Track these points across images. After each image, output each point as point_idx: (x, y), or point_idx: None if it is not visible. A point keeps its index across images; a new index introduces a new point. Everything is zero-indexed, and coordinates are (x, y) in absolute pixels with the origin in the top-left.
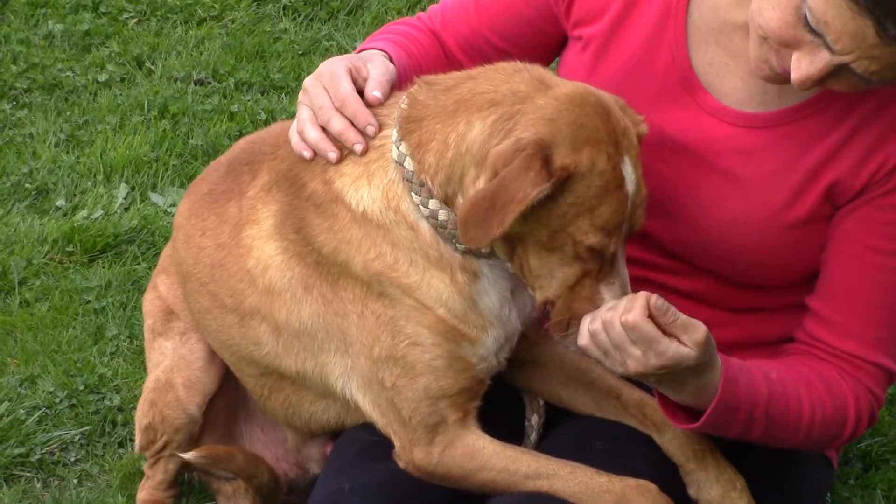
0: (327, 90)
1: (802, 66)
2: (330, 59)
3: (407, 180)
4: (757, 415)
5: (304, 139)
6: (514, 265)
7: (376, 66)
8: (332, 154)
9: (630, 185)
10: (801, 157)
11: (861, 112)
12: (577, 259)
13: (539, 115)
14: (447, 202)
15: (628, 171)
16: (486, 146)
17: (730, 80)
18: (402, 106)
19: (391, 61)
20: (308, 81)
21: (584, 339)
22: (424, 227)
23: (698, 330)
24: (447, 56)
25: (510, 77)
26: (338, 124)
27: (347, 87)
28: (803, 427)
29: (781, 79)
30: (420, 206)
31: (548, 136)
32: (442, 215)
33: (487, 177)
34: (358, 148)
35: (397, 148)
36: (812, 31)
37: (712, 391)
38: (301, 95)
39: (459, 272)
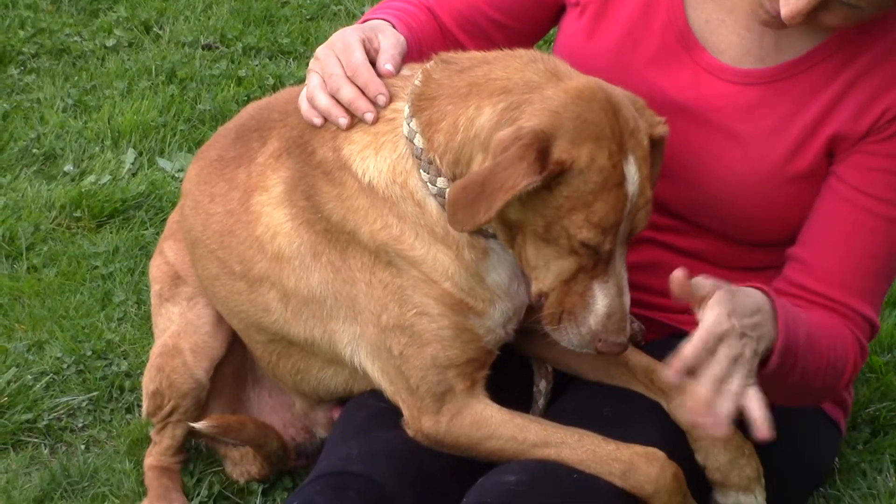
0: (339, 59)
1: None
2: (342, 30)
3: (416, 157)
4: (799, 356)
5: (314, 106)
6: (514, 253)
7: (387, 38)
8: (343, 120)
9: (631, 186)
10: (800, 111)
11: (859, 64)
12: (572, 253)
13: (545, 106)
14: (455, 181)
15: (631, 170)
16: (494, 133)
17: (726, 36)
18: (416, 82)
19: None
20: (320, 50)
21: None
22: (432, 204)
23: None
24: (443, 32)
25: (525, 66)
26: (348, 93)
27: (360, 57)
28: (819, 374)
29: (777, 22)
30: (428, 184)
31: (549, 127)
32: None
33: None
34: (368, 117)
35: (408, 124)
36: None
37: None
38: (312, 63)
39: (467, 249)
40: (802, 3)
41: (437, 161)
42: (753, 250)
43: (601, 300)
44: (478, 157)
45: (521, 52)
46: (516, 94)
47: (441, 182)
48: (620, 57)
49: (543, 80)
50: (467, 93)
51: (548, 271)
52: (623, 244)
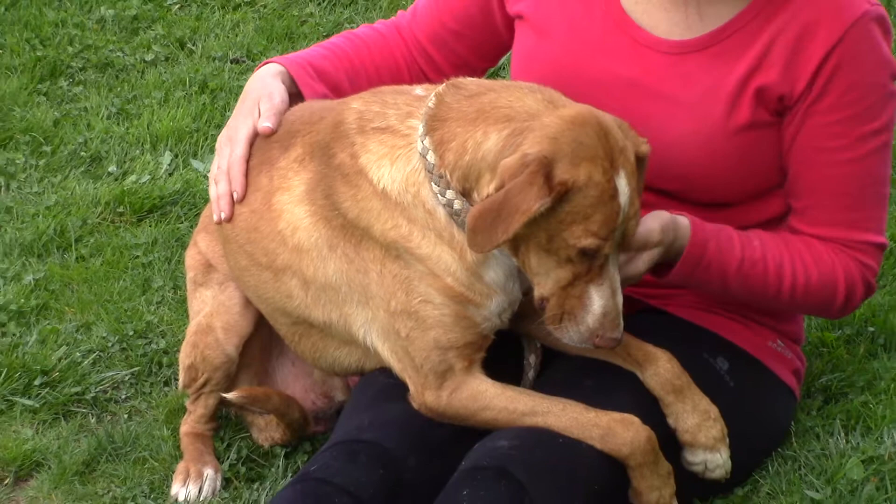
0: (225, 151)
1: None
2: (236, 111)
3: (428, 171)
4: (730, 272)
5: (210, 191)
6: (518, 261)
7: (268, 102)
8: (222, 215)
9: (623, 198)
10: (730, 71)
11: (776, 24)
12: (569, 262)
13: (544, 133)
14: (464, 194)
15: (622, 184)
16: (500, 157)
17: (655, 13)
18: (430, 104)
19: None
20: (220, 137)
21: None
22: (441, 212)
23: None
24: (409, 46)
25: (525, 95)
26: (220, 189)
27: (238, 153)
28: (785, 290)
29: None
30: (438, 195)
31: (550, 152)
32: (457, 205)
33: (497, 185)
34: (221, 216)
35: (422, 141)
36: None
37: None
38: (217, 144)
39: (468, 252)
40: None
41: (448, 176)
42: (717, 211)
43: (597, 301)
44: (485, 176)
45: (521, 83)
46: (518, 121)
47: (450, 194)
48: (571, 50)
49: (542, 108)
50: (475, 118)
51: (548, 278)
52: (616, 253)
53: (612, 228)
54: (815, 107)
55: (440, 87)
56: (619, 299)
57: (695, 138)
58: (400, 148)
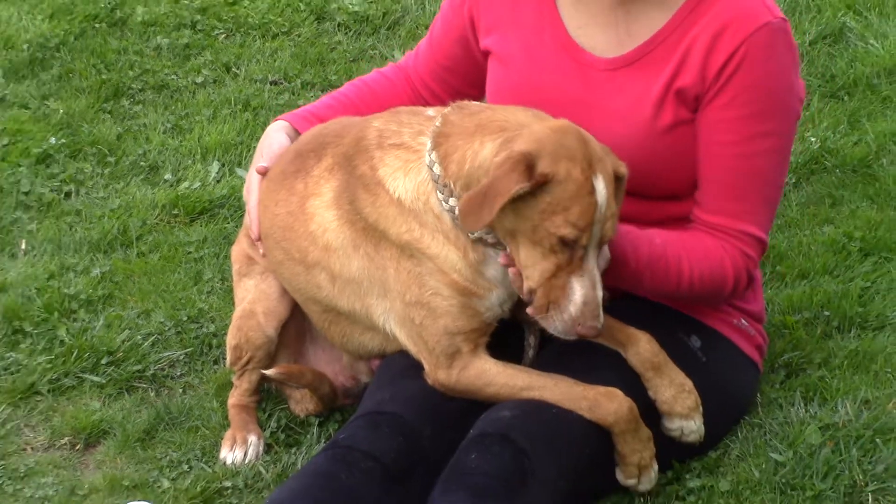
0: (249, 200)
1: None
2: (252, 163)
3: (434, 181)
4: (641, 269)
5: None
6: (505, 256)
7: (268, 150)
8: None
9: (600, 196)
10: (655, 80)
11: (691, 36)
12: (552, 253)
13: (532, 137)
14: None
15: (599, 184)
16: (494, 160)
17: (593, 35)
18: (437, 123)
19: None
20: (244, 187)
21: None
22: (446, 216)
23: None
24: (412, 85)
25: (518, 111)
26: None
27: (252, 203)
28: (685, 283)
29: None
30: (442, 202)
31: (534, 149)
32: (458, 210)
33: (488, 178)
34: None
35: (429, 155)
36: None
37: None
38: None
39: (471, 251)
40: None
41: (452, 185)
42: (663, 204)
43: (578, 291)
44: (482, 180)
45: (516, 106)
46: (510, 131)
47: (452, 201)
48: (527, 74)
49: (532, 120)
50: (474, 131)
51: (535, 270)
52: (595, 248)
53: (589, 221)
54: (713, 103)
55: (447, 109)
56: (599, 292)
57: (630, 142)
58: (412, 162)
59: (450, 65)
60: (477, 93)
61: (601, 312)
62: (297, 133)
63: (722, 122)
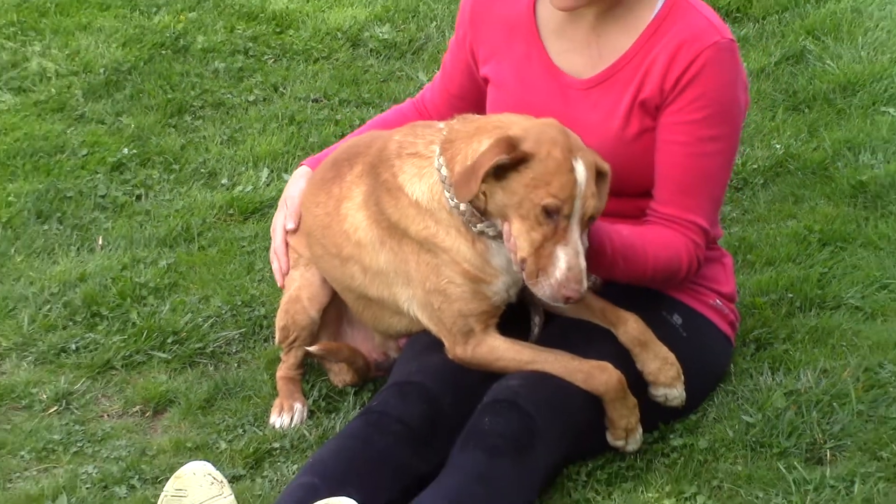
0: (274, 238)
1: None
2: (279, 205)
3: (443, 182)
4: (616, 257)
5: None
6: (505, 234)
7: (291, 203)
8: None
9: (579, 175)
10: (623, 94)
11: (654, 54)
12: (539, 224)
13: (519, 127)
14: None
15: (579, 165)
16: None
17: (571, 59)
18: (444, 133)
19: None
20: (272, 225)
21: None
22: (456, 213)
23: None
24: (432, 116)
25: (511, 115)
26: (274, 266)
27: (277, 242)
28: (649, 268)
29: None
30: (449, 200)
31: (519, 134)
32: (462, 206)
33: None
34: (280, 283)
35: (438, 160)
36: None
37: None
38: (271, 228)
39: (477, 243)
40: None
41: None
42: (636, 201)
43: (563, 259)
44: None
45: (511, 112)
46: (504, 128)
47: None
48: (521, 97)
49: (522, 119)
50: (474, 133)
51: (524, 241)
52: (578, 222)
53: (570, 194)
54: (670, 108)
55: (453, 120)
56: (583, 261)
57: (604, 149)
58: (425, 168)
59: (460, 93)
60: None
61: (584, 278)
62: None
63: (677, 125)
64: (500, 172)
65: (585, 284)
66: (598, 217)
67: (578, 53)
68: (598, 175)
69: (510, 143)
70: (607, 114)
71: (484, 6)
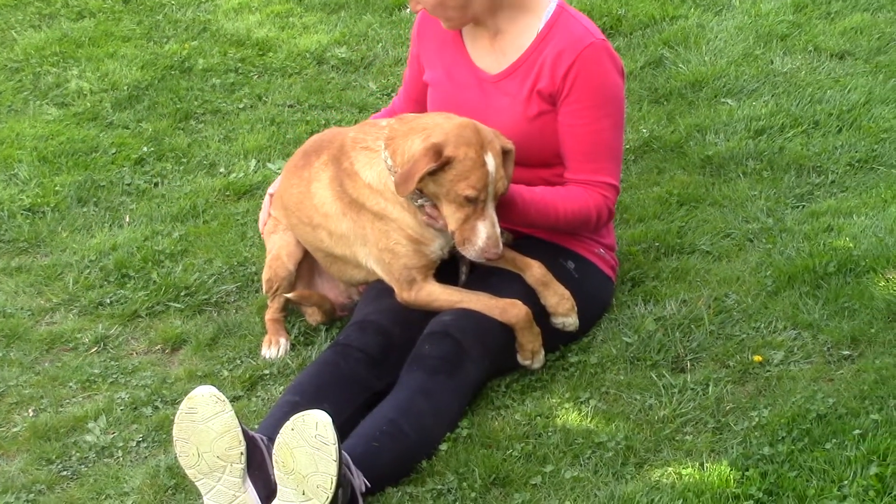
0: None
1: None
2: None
3: (389, 169)
4: (528, 207)
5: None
6: (437, 213)
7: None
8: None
9: (490, 167)
10: (524, 84)
11: (544, 55)
12: (462, 207)
13: (441, 132)
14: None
15: (489, 159)
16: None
17: (484, 57)
18: (386, 131)
19: None
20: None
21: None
22: None
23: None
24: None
25: (437, 116)
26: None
27: (262, 215)
28: (561, 216)
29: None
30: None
31: (442, 140)
32: None
33: None
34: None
35: (384, 152)
36: None
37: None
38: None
39: (418, 213)
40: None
41: (398, 171)
42: (538, 170)
43: (483, 231)
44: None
45: (436, 112)
46: (429, 129)
47: None
48: (451, 93)
49: (444, 120)
50: (408, 133)
51: (452, 219)
52: (492, 201)
53: (484, 184)
54: (565, 100)
55: (393, 120)
56: (497, 230)
57: (512, 128)
58: (374, 158)
59: (419, 97)
60: None
61: (500, 243)
62: None
63: (573, 112)
64: (430, 173)
65: (501, 246)
66: (507, 187)
67: (488, 53)
68: (505, 153)
69: (436, 151)
70: (513, 99)
71: (425, 27)
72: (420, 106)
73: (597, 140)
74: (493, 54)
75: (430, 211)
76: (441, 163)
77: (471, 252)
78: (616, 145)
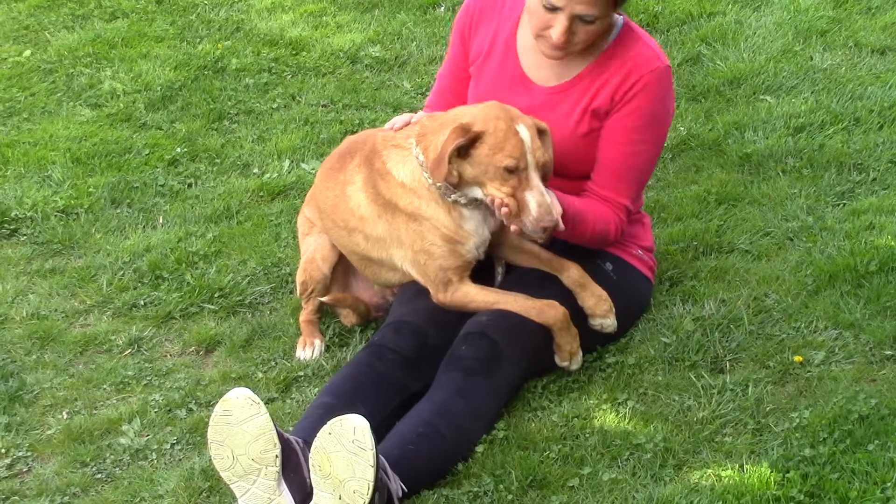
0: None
1: (556, 32)
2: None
3: (421, 166)
4: (568, 221)
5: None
6: (486, 198)
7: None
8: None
9: (524, 135)
10: (579, 102)
11: (607, 73)
12: (505, 181)
13: (468, 114)
14: None
15: (521, 128)
16: None
17: (539, 70)
18: (416, 128)
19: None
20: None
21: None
22: (433, 189)
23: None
24: None
25: (465, 108)
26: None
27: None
28: (588, 231)
29: (559, 52)
30: (427, 179)
31: (469, 120)
32: (438, 183)
33: None
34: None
35: (415, 149)
36: (548, 8)
37: None
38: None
39: (452, 211)
40: (561, 28)
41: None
42: (580, 182)
43: (532, 200)
44: None
45: (465, 105)
46: (458, 119)
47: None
48: (495, 94)
49: (470, 108)
50: (439, 127)
51: (499, 196)
52: (535, 171)
53: (522, 151)
54: (615, 115)
55: (423, 117)
56: (548, 196)
57: (561, 142)
58: (407, 156)
59: (453, 101)
60: None
61: (554, 210)
62: None
63: (619, 128)
64: (464, 153)
65: (556, 214)
66: (551, 168)
67: (545, 68)
68: (541, 133)
69: (464, 129)
70: (564, 115)
71: (484, 15)
72: (459, 99)
73: (631, 163)
74: (551, 67)
75: (494, 198)
76: (470, 137)
77: (526, 225)
78: (647, 170)
